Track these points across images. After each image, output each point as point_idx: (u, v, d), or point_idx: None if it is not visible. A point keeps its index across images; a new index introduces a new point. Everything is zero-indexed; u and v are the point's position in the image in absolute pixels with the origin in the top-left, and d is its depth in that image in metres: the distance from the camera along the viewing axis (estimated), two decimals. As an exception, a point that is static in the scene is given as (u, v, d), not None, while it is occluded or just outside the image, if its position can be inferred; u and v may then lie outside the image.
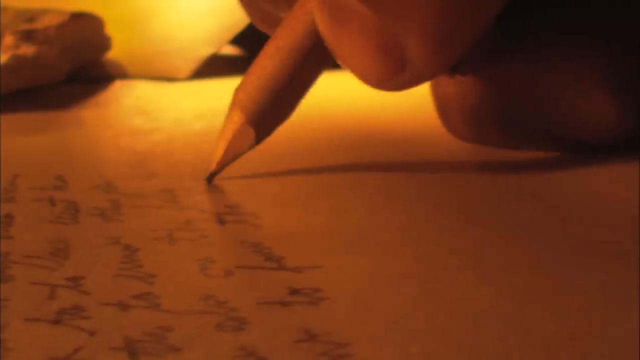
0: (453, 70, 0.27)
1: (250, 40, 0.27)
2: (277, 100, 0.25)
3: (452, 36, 0.23)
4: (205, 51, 0.47)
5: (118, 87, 0.44)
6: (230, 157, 0.26)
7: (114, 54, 0.48)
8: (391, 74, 0.23)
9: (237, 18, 0.44)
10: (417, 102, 0.32)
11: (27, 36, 0.43)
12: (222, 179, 0.26)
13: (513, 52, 0.27)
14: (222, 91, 0.42)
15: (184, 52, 0.47)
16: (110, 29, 0.48)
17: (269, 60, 0.25)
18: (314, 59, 0.25)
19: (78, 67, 0.45)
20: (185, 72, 0.46)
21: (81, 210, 0.24)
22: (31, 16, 0.46)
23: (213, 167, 0.26)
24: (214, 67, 0.46)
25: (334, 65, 0.25)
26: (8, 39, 0.42)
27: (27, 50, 0.42)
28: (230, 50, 0.50)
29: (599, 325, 0.16)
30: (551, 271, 0.19)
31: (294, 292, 0.18)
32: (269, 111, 0.25)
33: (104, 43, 0.48)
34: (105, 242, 0.21)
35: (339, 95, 0.30)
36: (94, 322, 0.17)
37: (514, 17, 0.27)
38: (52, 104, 0.40)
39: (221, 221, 0.23)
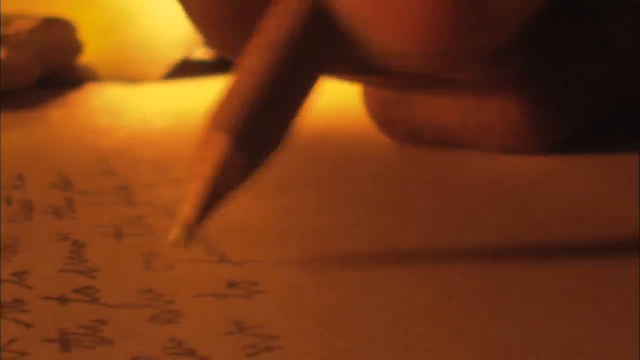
0: None
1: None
2: (271, 113, 0.19)
3: None
4: (176, 55, 0.47)
5: (88, 90, 0.44)
6: (216, 198, 0.18)
7: (87, 59, 0.48)
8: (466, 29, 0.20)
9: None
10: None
11: (-1, 41, 0.43)
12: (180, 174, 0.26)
13: None
14: (190, 93, 0.42)
15: (156, 56, 0.47)
16: (85, 34, 0.48)
17: (254, 62, 0.20)
18: (310, 53, 0.20)
19: (49, 71, 0.45)
20: (156, 76, 0.46)
21: (35, 209, 0.24)
22: (4, 21, 0.46)
23: (190, 214, 0.18)
24: (184, 70, 0.46)
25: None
26: (-20, 44, 0.42)
27: (-1, 54, 0.42)
28: (202, 53, 0.50)
29: (534, 326, 0.16)
30: (491, 271, 0.19)
31: (231, 285, 0.18)
32: (262, 129, 0.19)
33: (76, 47, 0.48)
34: (54, 238, 0.21)
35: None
36: (32, 315, 0.17)
37: None
38: (21, 105, 0.40)
39: (171, 215, 0.23)
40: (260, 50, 0.20)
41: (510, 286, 0.18)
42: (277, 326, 0.16)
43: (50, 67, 0.45)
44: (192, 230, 0.18)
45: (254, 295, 0.17)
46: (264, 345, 0.15)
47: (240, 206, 0.23)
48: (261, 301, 0.17)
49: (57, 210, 0.24)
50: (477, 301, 0.17)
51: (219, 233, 0.21)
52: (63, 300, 0.18)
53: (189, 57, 0.48)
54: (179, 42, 0.48)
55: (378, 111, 0.29)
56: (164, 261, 0.19)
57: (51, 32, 0.46)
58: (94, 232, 0.22)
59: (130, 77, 0.46)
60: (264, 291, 0.18)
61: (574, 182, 0.24)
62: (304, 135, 0.32)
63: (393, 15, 0.19)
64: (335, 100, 0.35)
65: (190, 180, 0.18)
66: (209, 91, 0.41)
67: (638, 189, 0.23)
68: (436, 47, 0.20)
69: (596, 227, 0.21)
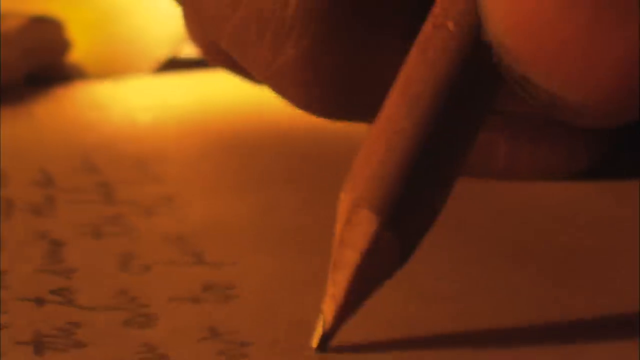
0: None
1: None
2: (426, 183, 0.16)
3: None
4: (164, 52, 0.47)
5: (75, 87, 0.44)
6: (364, 291, 0.16)
7: (75, 56, 0.48)
8: None
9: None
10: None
11: (-14, 39, 0.43)
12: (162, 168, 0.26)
13: None
14: (177, 88, 0.42)
15: (144, 54, 0.47)
16: (74, 32, 0.48)
17: (399, 120, 0.16)
18: (469, 105, 0.16)
19: (37, 69, 0.45)
20: (144, 74, 0.46)
21: (15, 207, 0.24)
22: (-6, 20, 0.46)
23: (330, 318, 0.15)
24: (172, 68, 0.46)
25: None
26: (-33, 43, 0.42)
27: (-14, 53, 0.42)
28: (190, 51, 0.50)
29: (503, 328, 0.16)
30: (465, 274, 0.19)
31: (207, 288, 0.18)
32: (416, 203, 0.16)
33: (64, 46, 0.48)
34: (32, 237, 0.21)
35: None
36: (7, 316, 0.17)
37: None
38: (6, 103, 0.39)
39: (150, 214, 0.23)
40: (406, 106, 0.16)
41: (479, 290, 0.18)
42: (251, 333, 0.16)
43: (38, 65, 0.45)
44: (332, 331, 0.15)
45: (229, 300, 0.17)
46: (235, 352, 0.15)
47: (219, 204, 0.23)
48: (236, 306, 0.17)
49: (37, 208, 0.24)
50: (448, 305, 0.17)
51: (198, 234, 0.21)
52: (39, 301, 0.18)
53: (176, 54, 0.48)
54: (167, 39, 0.48)
55: None
56: (140, 262, 0.19)
57: (39, 31, 0.46)
58: (72, 231, 0.21)
59: (118, 74, 0.46)
60: (239, 296, 0.18)
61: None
62: (285, 132, 0.32)
63: (588, 60, 0.14)
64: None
65: (331, 270, 0.16)
66: (195, 87, 0.42)
67: None
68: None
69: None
